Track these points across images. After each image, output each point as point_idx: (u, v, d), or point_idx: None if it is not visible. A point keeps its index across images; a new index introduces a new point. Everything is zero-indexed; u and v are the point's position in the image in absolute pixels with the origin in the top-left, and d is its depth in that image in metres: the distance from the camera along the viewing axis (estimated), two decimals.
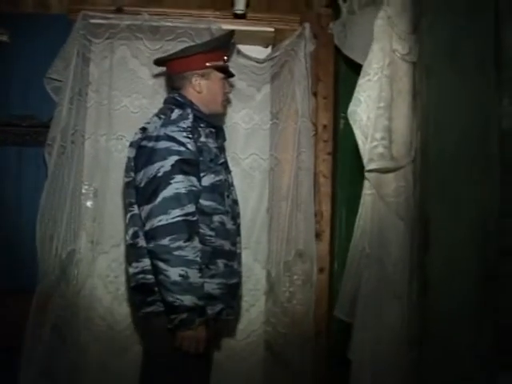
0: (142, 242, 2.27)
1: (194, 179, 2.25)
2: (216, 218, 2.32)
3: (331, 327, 2.82)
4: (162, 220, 2.17)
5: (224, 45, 2.60)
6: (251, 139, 3.01)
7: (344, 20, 2.73)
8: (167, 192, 2.19)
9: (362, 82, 2.09)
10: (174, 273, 2.14)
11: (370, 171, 2.11)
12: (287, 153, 2.93)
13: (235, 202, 2.51)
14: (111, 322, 2.82)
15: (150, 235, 2.19)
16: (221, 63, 2.52)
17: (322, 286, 2.88)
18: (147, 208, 2.21)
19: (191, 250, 2.16)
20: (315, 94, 2.98)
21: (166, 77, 2.75)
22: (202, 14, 2.90)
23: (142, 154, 2.28)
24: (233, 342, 2.93)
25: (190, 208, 2.21)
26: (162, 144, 2.24)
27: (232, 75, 2.66)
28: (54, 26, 2.84)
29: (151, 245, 2.19)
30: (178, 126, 2.29)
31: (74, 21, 2.80)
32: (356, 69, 2.91)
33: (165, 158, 2.22)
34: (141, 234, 2.28)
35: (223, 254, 2.34)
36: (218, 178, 2.35)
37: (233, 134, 2.92)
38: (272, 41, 3.01)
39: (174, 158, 2.22)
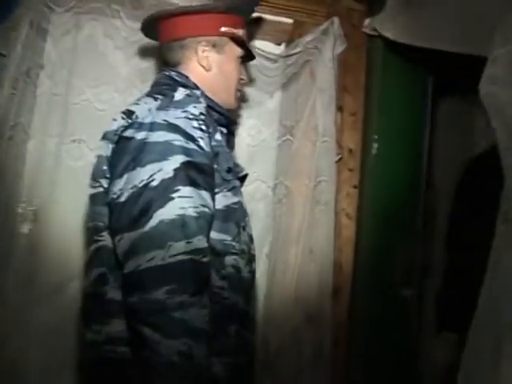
0: (112, 293, 1.46)
1: (207, 196, 1.45)
2: (229, 260, 1.51)
3: None
4: (156, 258, 1.34)
5: (247, 8, 1.85)
6: (256, 159, 2.26)
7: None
8: (166, 212, 1.38)
9: (500, 52, 1.36)
10: (169, 348, 1.31)
11: None
12: (301, 181, 2.19)
13: (251, 238, 1.65)
14: None
15: (133, 282, 1.37)
16: (240, 32, 1.75)
17: (338, 361, 2.13)
18: (130, 237, 1.39)
19: (199, 312, 1.34)
20: (341, 109, 2.27)
21: (158, 50, 1.87)
22: None
23: (126, 150, 1.46)
24: None
25: (201, 241, 1.40)
26: (160, 135, 1.44)
27: (252, 57, 1.89)
28: None
29: (133, 298, 1.35)
30: (185, 111, 1.49)
31: None
32: (396, 79, 2.30)
33: (164, 158, 1.41)
34: (111, 278, 1.47)
35: (236, 317, 1.51)
36: (235, 200, 1.55)
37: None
38: (287, 36, 2.31)
39: (178, 159, 1.42)
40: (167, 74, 1.68)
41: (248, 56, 1.82)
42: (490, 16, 1.59)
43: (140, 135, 1.45)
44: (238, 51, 1.75)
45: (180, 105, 1.51)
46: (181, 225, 1.37)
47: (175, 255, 1.35)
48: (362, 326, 2.18)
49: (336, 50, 2.25)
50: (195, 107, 1.51)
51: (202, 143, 1.46)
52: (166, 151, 1.42)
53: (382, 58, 2.29)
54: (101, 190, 1.52)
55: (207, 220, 1.44)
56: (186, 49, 1.69)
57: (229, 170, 1.52)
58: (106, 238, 1.50)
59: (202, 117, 1.50)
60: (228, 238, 1.50)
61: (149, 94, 1.60)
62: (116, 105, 2.10)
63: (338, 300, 2.16)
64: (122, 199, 1.42)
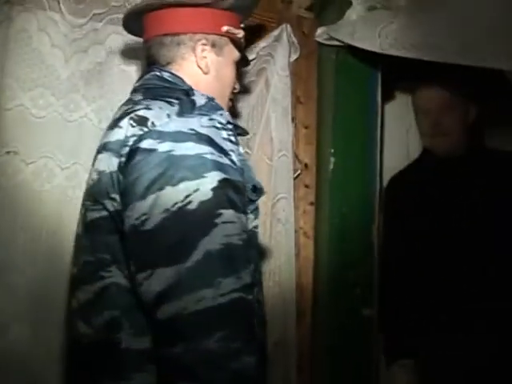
0: (129, 342, 1.20)
1: (245, 220, 1.22)
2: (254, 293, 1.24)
3: None
4: (206, 299, 1.10)
5: (249, 8, 1.64)
6: None
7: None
8: (212, 241, 1.14)
9: None
10: None
11: None
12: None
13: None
14: None
15: (176, 330, 1.11)
16: (241, 34, 1.53)
17: None
18: (166, 273, 1.12)
19: (252, 359, 1.12)
20: (294, 121, 2.15)
21: (144, 45, 1.55)
22: None
23: (147, 165, 1.18)
24: None
25: (248, 276, 1.17)
26: (189, 147, 1.19)
27: (248, 63, 1.70)
28: None
29: (175, 349, 1.09)
30: (211, 119, 1.26)
31: None
32: (349, 89, 2.21)
33: (199, 176, 1.17)
34: (126, 324, 1.21)
35: (263, 357, 1.28)
36: (256, 223, 1.33)
37: None
38: None
39: (215, 177, 1.18)
40: (158, 74, 1.42)
41: (244, 61, 1.62)
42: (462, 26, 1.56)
43: (163, 147, 1.19)
44: (236, 55, 1.54)
45: (205, 111, 1.27)
46: (228, 256, 1.15)
47: (226, 294, 1.12)
48: (324, 350, 2.06)
49: (290, 58, 2.12)
50: (221, 115, 1.29)
51: (233, 157, 1.24)
52: (199, 167, 1.17)
53: (335, 67, 2.18)
54: (104, 213, 1.25)
55: (248, 249, 1.22)
56: (183, 46, 1.45)
57: (254, 189, 1.31)
58: (114, 274, 1.23)
59: (230, 126, 1.28)
60: (252, 267, 1.26)
61: (154, 97, 1.33)
62: (55, 111, 1.83)
63: (300, 324, 2.03)
64: (150, 226, 1.15)
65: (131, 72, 1.93)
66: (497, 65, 1.42)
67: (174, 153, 1.18)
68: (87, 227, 1.30)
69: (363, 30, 1.90)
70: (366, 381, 2.10)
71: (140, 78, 1.48)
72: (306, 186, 2.13)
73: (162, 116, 1.25)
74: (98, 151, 1.31)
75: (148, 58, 1.50)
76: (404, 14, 1.73)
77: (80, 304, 1.29)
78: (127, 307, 1.22)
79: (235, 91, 1.58)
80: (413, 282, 2.20)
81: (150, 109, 1.27)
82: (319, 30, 2.17)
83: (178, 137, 1.20)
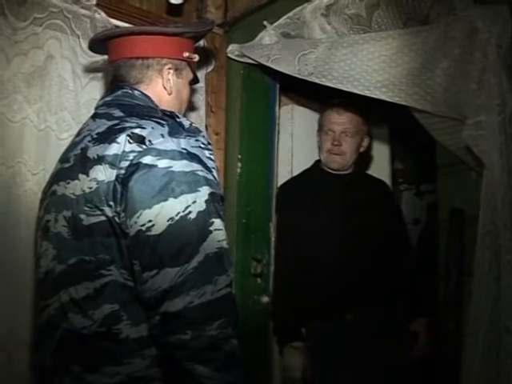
0: (127, 331, 1.37)
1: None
2: None
3: None
4: (207, 293, 1.31)
5: (203, 35, 1.88)
6: None
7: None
8: (209, 246, 1.34)
9: None
10: (222, 381, 1.30)
11: None
12: None
13: None
14: None
15: (185, 320, 1.31)
16: (196, 58, 1.76)
17: None
18: (173, 272, 1.31)
19: (237, 342, 1.35)
20: (207, 128, 2.38)
21: (112, 65, 1.70)
22: None
23: (150, 178, 1.37)
24: None
25: (231, 274, 1.40)
26: (184, 165, 1.39)
27: (197, 81, 1.90)
28: None
29: (186, 336, 1.29)
30: (197, 140, 1.46)
31: None
32: (254, 102, 2.47)
33: (195, 189, 1.37)
34: (125, 316, 1.37)
35: None
36: None
37: None
38: None
39: (206, 191, 1.39)
40: (129, 92, 1.60)
41: (195, 81, 1.84)
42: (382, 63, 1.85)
43: (163, 163, 1.38)
44: (191, 76, 1.76)
45: (191, 133, 1.47)
46: (221, 258, 1.36)
47: (221, 289, 1.34)
48: None
49: (205, 70, 2.34)
50: (203, 136, 1.49)
51: (215, 173, 1.46)
52: (194, 182, 1.38)
53: (242, 80, 2.44)
54: (103, 218, 1.40)
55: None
56: (151, 69, 1.64)
57: (223, 199, 1.51)
58: (114, 273, 1.39)
59: (210, 146, 1.50)
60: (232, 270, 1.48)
61: (140, 116, 1.49)
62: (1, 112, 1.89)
63: None
64: (156, 232, 1.34)
65: (67, 77, 2.02)
66: (413, 104, 1.74)
67: (172, 169, 1.38)
68: (82, 230, 1.44)
69: (281, 54, 2.14)
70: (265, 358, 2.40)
71: (108, 93, 1.64)
72: None
73: (156, 135, 1.43)
74: (95, 163, 1.45)
75: (116, 76, 1.67)
76: (324, 46, 2.01)
77: (75, 299, 1.43)
78: (125, 301, 1.39)
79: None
80: (298, 274, 2.45)
81: (144, 128, 1.44)
82: (230, 47, 2.42)
83: (174, 155, 1.40)
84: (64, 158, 1.59)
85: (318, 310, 2.38)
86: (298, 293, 2.41)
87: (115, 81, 1.68)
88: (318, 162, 2.62)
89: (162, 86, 1.67)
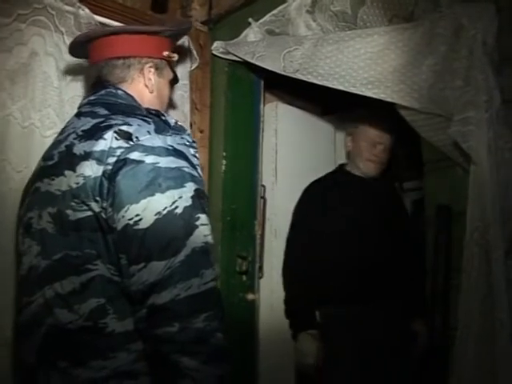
0: (114, 325, 1.37)
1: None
2: None
3: None
4: (193, 286, 1.32)
5: (182, 34, 1.88)
6: None
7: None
8: (195, 240, 1.35)
9: None
10: (210, 374, 1.31)
11: None
12: None
13: None
14: None
15: (171, 312, 1.31)
16: (176, 57, 1.77)
17: None
18: (160, 265, 1.32)
19: (223, 335, 1.36)
20: (191, 125, 2.37)
21: (93, 65, 1.71)
22: None
23: (137, 174, 1.37)
24: None
25: (216, 268, 1.43)
26: (170, 161, 1.40)
27: (177, 80, 1.90)
28: None
29: (172, 328, 1.30)
30: (182, 138, 1.47)
31: None
32: (240, 97, 2.47)
33: (181, 185, 1.39)
34: (111, 310, 1.38)
35: None
36: None
37: None
38: None
39: (191, 187, 1.40)
40: (113, 91, 1.60)
41: (175, 80, 1.83)
42: (368, 60, 1.86)
43: (149, 159, 1.38)
44: (171, 75, 1.77)
45: (177, 131, 1.48)
46: (207, 252, 1.37)
47: (207, 282, 1.35)
48: None
49: (190, 67, 2.33)
50: (189, 135, 1.50)
51: (199, 170, 1.47)
52: (180, 178, 1.39)
53: (227, 78, 2.44)
54: (89, 214, 1.40)
55: None
56: (133, 68, 1.65)
57: (207, 197, 1.52)
58: (100, 267, 1.39)
59: (195, 144, 1.51)
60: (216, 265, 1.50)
61: (117, 113, 1.49)
62: None
63: None
64: (144, 226, 1.34)
65: (51, 74, 2.00)
66: (399, 101, 1.75)
67: (159, 165, 1.39)
68: (68, 225, 1.42)
69: (267, 51, 2.15)
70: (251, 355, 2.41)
71: (92, 93, 1.64)
72: None
73: (143, 132, 1.43)
74: (82, 159, 1.44)
75: (99, 76, 1.67)
76: (309, 43, 2.02)
77: (60, 293, 1.41)
78: (111, 296, 1.39)
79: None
80: (312, 269, 2.51)
81: (130, 125, 1.44)
82: (215, 44, 2.41)
83: (161, 151, 1.40)
84: (47, 156, 1.58)
85: (333, 297, 2.44)
86: (314, 279, 2.47)
87: (99, 81, 1.68)
88: (342, 166, 2.74)
89: (143, 85, 1.67)
